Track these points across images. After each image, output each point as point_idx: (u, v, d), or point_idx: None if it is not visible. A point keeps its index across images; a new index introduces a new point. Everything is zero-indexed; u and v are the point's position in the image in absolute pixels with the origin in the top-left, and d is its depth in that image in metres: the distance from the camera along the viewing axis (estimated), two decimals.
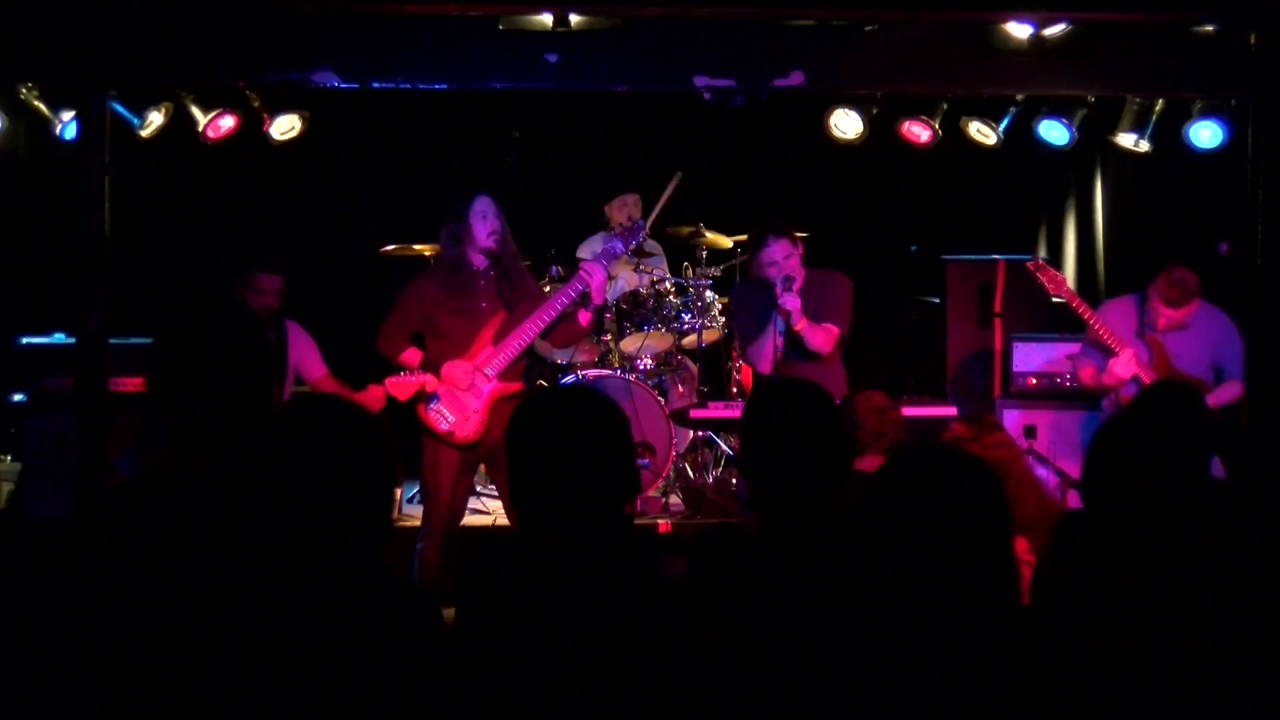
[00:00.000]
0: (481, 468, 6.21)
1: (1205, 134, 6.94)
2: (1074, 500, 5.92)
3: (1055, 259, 8.45)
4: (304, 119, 7.31)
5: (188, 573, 2.27)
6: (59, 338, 6.78)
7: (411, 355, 5.50)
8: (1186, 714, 2.44)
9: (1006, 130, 7.44)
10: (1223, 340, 5.95)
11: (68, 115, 6.81)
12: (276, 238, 7.80)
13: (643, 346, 7.32)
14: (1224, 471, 5.27)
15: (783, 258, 5.53)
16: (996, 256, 7.46)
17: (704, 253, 7.62)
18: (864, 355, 5.83)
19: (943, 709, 2.05)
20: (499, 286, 5.52)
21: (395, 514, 6.52)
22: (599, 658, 2.33)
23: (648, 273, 7.47)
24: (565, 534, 2.43)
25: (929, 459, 2.22)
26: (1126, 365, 5.88)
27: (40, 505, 6.55)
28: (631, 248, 6.19)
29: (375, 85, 6.04)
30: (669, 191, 7.34)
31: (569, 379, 7.07)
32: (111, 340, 5.03)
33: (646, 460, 6.70)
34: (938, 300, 7.67)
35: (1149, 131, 7.14)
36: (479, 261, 5.50)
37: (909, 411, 5.41)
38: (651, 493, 6.93)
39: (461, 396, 5.42)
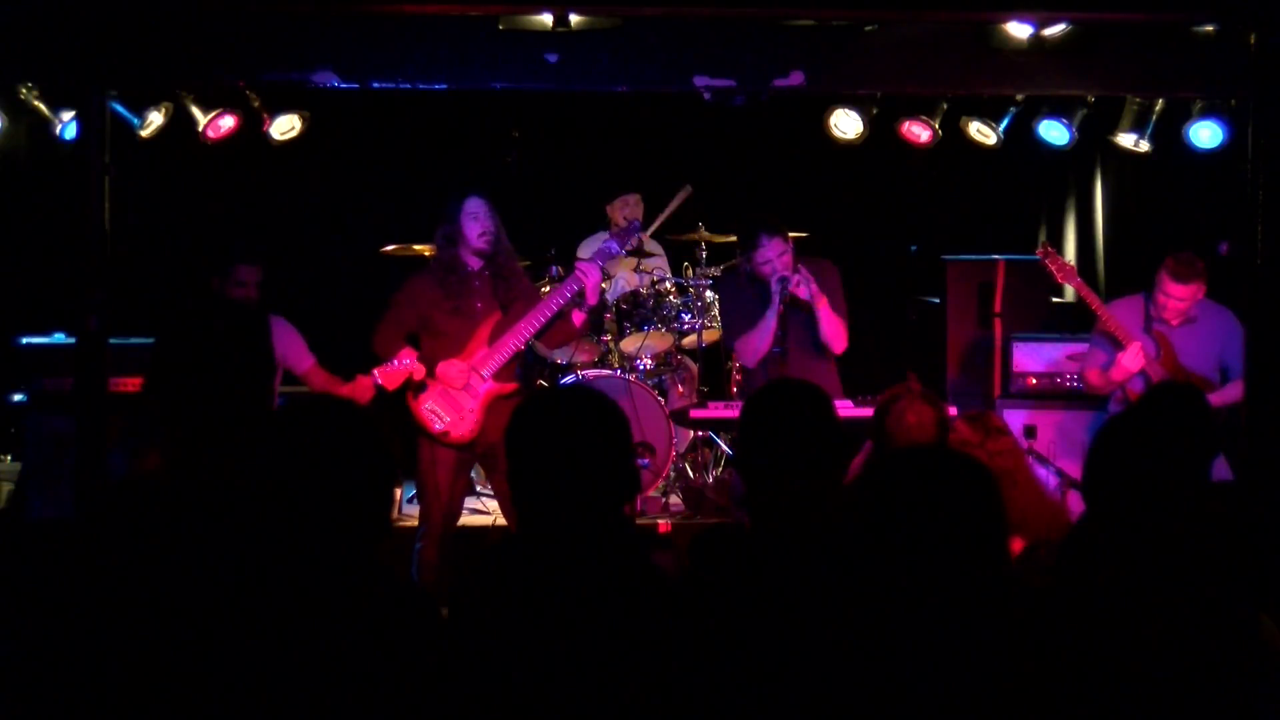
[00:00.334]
0: (479, 469, 6.22)
1: (1205, 134, 6.93)
2: (1074, 500, 5.92)
3: None
4: (304, 119, 7.31)
5: (187, 572, 2.27)
6: (59, 338, 6.78)
7: (406, 355, 5.49)
8: (1186, 714, 2.44)
9: (1006, 130, 7.44)
10: (1229, 338, 5.92)
11: (68, 115, 6.81)
12: (277, 238, 7.80)
13: (643, 346, 7.32)
14: (1230, 472, 5.26)
15: (777, 256, 5.51)
16: (996, 256, 7.46)
17: (704, 253, 7.62)
18: (864, 355, 5.82)
19: (936, 708, 2.05)
20: (494, 286, 5.51)
21: (395, 514, 6.54)
22: (598, 657, 2.33)
23: (648, 273, 7.47)
24: (565, 534, 2.43)
25: (921, 459, 2.22)
26: (1134, 358, 5.83)
27: (40, 505, 6.55)
28: (627, 249, 6.19)
29: (375, 85, 6.04)
30: (676, 203, 7.36)
31: (569, 379, 7.07)
32: (111, 340, 5.03)
33: (646, 460, 6.70)
34: (938, 300, 7.67)
35: (1149, 131, 7.14)
36: (473, 262, 5.49)
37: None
38: (651, 493, 6.93)
39: (456, 396, 5.42)
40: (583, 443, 2.45)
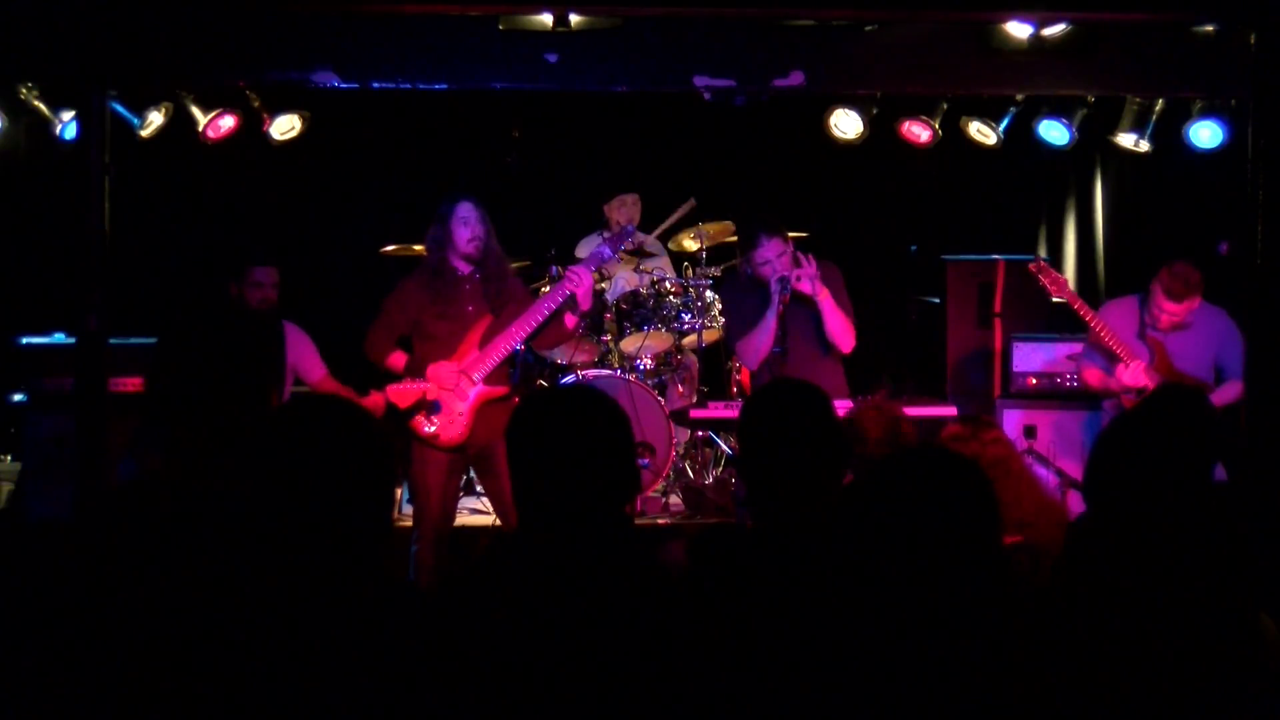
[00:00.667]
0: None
1: (1205, 134, 6.94)
2: (1074, 500, 5.92)
3: (1055, 259, 8.44)
4: (304, 119, 7.31)
5: (188, 573, 2.27)
6: (59, 338, 6.78)
7: (397, 359, 5.48)
8: (1186, 714, 2.45)
9: (1006, 130, 7.45)
10: (1224, 340, 5.93)
11: (68, 115, 6.82)
12: (277, 238, 7.80)
13: (643, 346, 7.32)
14: (1225, 473, 5.26)
15: (776, 256, 5.47)
16: (996, 256, 7.45)
17: (704, 253, 7.63)
18: (864, 355, 5.82)
19: (937, 707, 2.05)
20: (485, 290, 5.48)
21: (395, 514, 6.53)
22: (599, 657, 2.33)
23: (648, 273, 7.47)
24: (566, 534, 2.43)
25: (915, 458, 2.22)
26: (1136, 376, 5.84)
27: (40, 505, 6.55)
28: (620, 252, 6.18)
29: (375, 85, 6.05)
30: (679, 214, 7.36)
31: (569, 379, 7.07)
32: (111, 340, 5.03)
33: (646, 460, 6.69)
34: (938, 300, 7.67)
35: (1149, 131, 7.15)
36: (462, 266, 5.47)
37: (909, 411, 5.40)
38: (651, 493, 6.93)
39: (447, 399, 5.39)
40: (584, 442, 2.45)
